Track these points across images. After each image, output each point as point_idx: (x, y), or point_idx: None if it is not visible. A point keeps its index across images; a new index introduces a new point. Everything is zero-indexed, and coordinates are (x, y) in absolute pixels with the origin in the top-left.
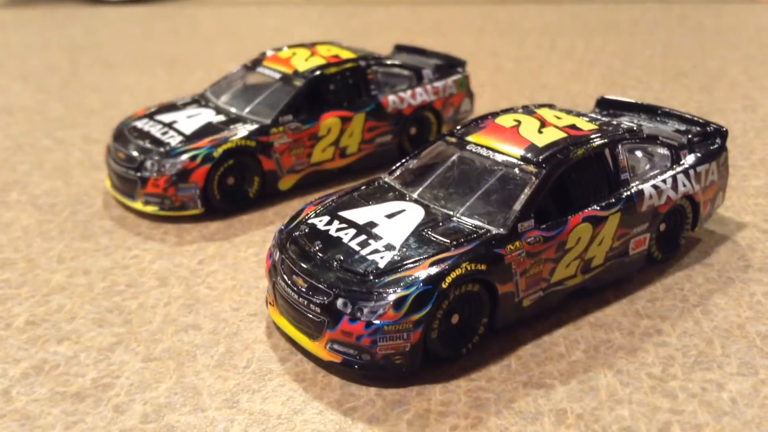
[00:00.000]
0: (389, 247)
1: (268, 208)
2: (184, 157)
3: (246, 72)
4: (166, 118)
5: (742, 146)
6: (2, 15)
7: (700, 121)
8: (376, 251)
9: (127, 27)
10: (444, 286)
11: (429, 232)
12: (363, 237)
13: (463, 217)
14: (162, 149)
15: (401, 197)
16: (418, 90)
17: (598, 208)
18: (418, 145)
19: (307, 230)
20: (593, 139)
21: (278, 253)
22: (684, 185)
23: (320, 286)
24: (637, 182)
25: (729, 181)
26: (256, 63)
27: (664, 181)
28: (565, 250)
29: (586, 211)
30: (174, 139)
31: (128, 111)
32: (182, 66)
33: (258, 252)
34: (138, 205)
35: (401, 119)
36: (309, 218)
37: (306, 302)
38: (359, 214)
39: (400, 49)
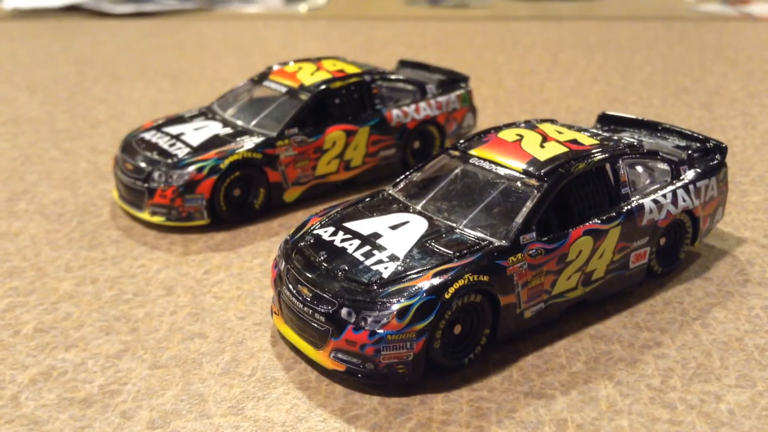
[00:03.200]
0: (393, 258)
1: (273, 220)
2: (191, 168)
3: (252, 85)
4: (173, 130)
5: (741, 162)
6: (10, 27)
7: (700, 137)
8: (380, 261)
9: (133, 40)
10: (447, 296)
11: (432, 244)
12: (367, 247)
13: (466, 229)
14: (169, 160)
15: (405, 209)
16: (422, 104)
17: (599, 221)
18: (421, 159)
19: (312, 241)
20: (594, 153)
21: (283, 263)
22: (684, 200)
23: (325, 295)
24: (637, 197)
25: (728, 197)
26: (263, 77)
27: (664, 195)
28: (566, 262)
29: (587, 224)
30: (181, 151)
31: (134, 123)
32: (187, 79)
33: (263, 262)
34: (145, 215)
35: (405, 133)
36: (314, 229)
37: (311, 311)
38: (364, 225)
39: (404, 64)
